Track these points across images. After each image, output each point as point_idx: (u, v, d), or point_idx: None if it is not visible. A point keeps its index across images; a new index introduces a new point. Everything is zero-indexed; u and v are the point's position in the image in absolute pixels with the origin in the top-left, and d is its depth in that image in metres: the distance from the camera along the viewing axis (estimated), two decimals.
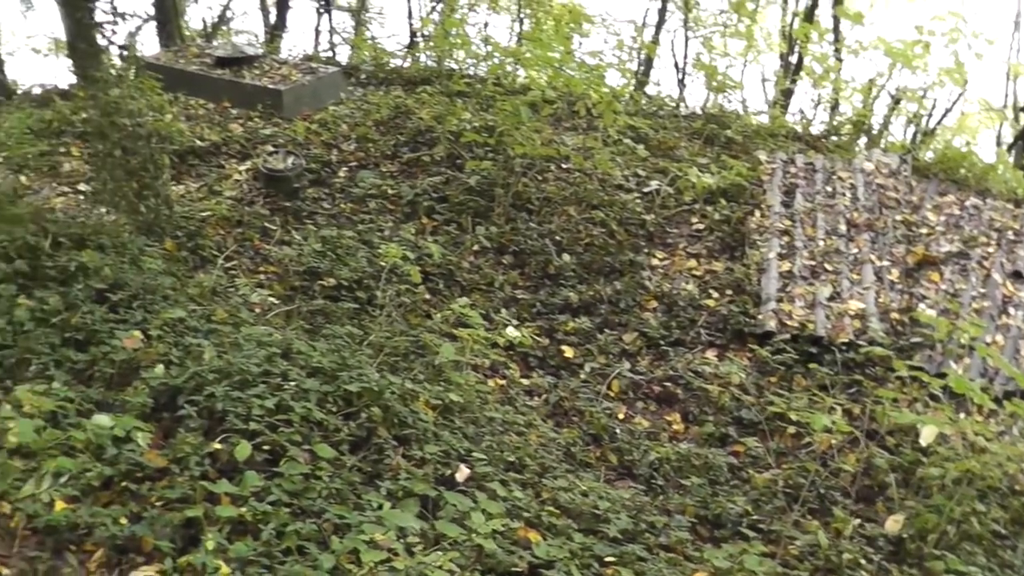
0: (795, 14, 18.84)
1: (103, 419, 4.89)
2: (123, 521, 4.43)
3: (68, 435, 4.81)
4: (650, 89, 17.01)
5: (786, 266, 9.00)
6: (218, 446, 4.85)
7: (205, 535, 4.27)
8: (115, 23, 8.61)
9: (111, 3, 8.86)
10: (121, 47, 8.84)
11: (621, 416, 7.26)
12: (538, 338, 7.89)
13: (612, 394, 7.50)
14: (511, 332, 7.37)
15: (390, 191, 9.72)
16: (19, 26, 20.06)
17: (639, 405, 7.52)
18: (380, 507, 4.59)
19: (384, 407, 5.38)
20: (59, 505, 4.48)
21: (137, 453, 4.80)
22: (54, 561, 4.31)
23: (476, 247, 8.98)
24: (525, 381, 7.42)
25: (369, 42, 18.21)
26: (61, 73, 19.83)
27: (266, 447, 4.87)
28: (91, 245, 6.82)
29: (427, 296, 8.02)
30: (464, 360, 6.73)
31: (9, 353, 5.61)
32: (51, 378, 5.44)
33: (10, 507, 4.51)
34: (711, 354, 8.11)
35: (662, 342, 8.20)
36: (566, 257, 9.00)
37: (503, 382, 7.24)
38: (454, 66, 14.55)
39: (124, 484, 4.67)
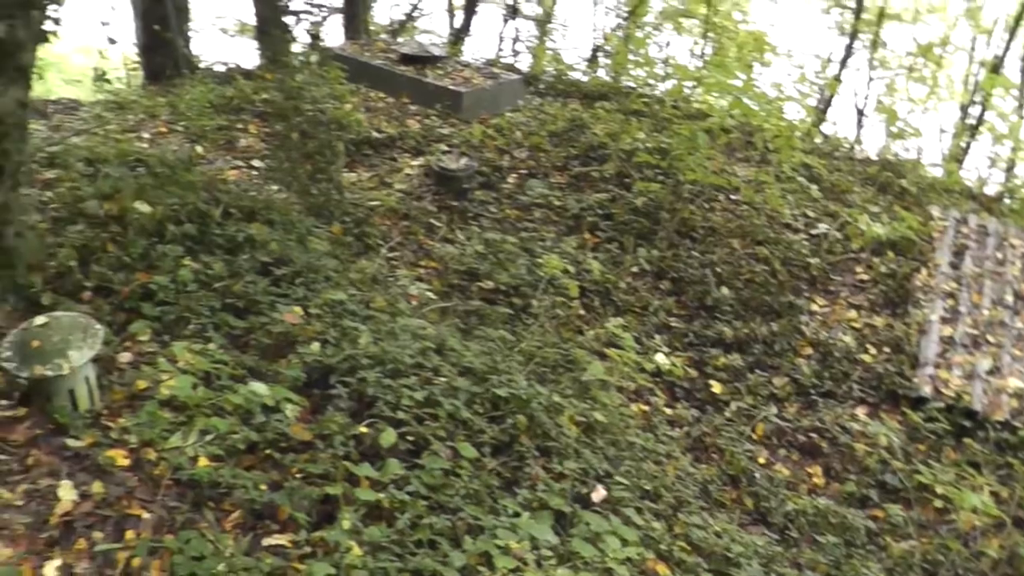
0: (981, 63, 18.10)
1: (260, 387, 5.01)
2: (263, 487, 4.55)
3: (221, 396, 4.93)
4: (827, 128, 16.56)
5: (948, 331, 8.64)
6: (364, 430, 4.91)
7: (342, 514, 4.33)
8: (310, 14, 8.84)
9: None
10: (311, 35, 9.04)
11: (762, 461, 7.10)
12: (687, 369, 7.77)
13: (755, 437, 7.33)
14: (661, 359, 7.28)
15: (556, 202, 9.69)
16: (207, 6, 20.79)
17: (781, 452, 7.34)
18: (516, 515, 4.56)
19: (529, 416, 5.36)
20: (203, 461, 4.61)
21: (284, 424, 4.92)
22: (192, 514, 4.43)
23: (635, 269, 8.87)
24: (669, 411, 7.31)
25: (550, 52, 18.24)
26: (244, 53, 20.56)
27: (410, 438, 4.92)
28: (260, 219, 7.00)
29: (581, 311, 7.96)
30: (612, 381, 6.66)
31: (170, 310, 5.80)
32: (208, 339, 5.62)
33: (156, 455, 4.67)
34: (861, 411, 7.85)
35: (812, 391, 7.98)
36: (725, 290, 8.82)
37: (647, 408, 7.14)
38: (632, 84, 14.44)
39: (268, 452, 4.79)
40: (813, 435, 7.49)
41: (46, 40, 5.81)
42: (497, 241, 8.46)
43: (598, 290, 8.36)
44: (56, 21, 5.79)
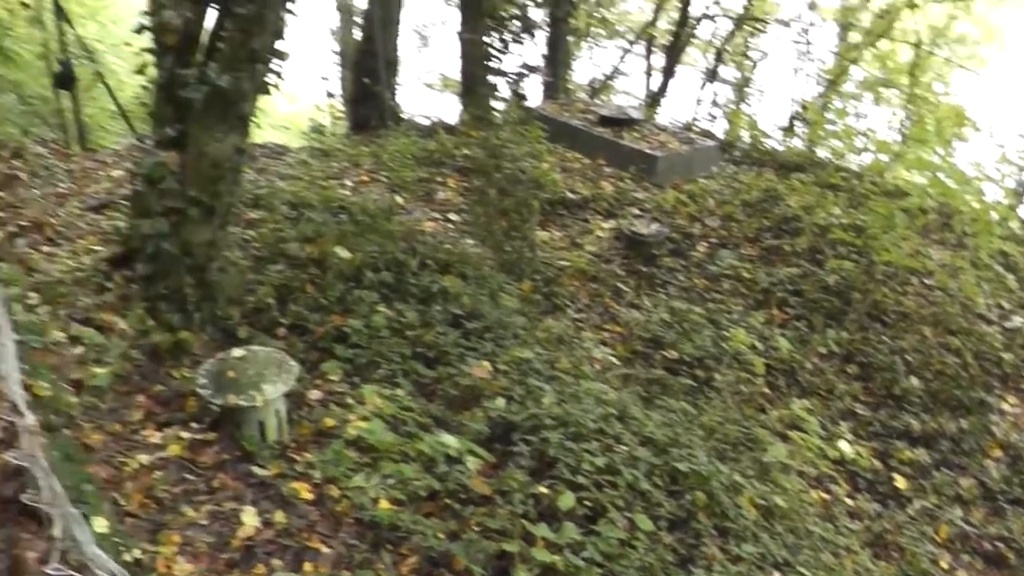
0: None
1: (449, 438, 5.11)
2: (441, 536, 4.64)
3: (408, 442, 5.05)
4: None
5: None
6: (543, 490, 4.94)
7: (516, 571, 4.37)
8: (520, 76, 9.02)
9: (521, 58, 9.28)
10: (515, 94, 9.23)
11: (944, 566, 6.76)
12: (871, 460, 7.50)
13: (938, 539, 6.99)
14: (844, 447, 7.07)
15: (745, 274, 9.51)
16: (413, 60, 21.47)
17: (965, 558, 6.98)
18: None
19: (709, 494, 5.29)
20: (384, 504, 4.75)
21: (465, 476, 5.01)
22: (370, 554, 4.56)
23: (823, 349, 8.60)
24: (850, 501, 7.05)
25: (747, 119, 18.01)
26: (446, 108, 21.18)
27: (588, 503, 4.92)
28: (454, 272, 7.16)
29: (765, 389, 7.78)
30: (793, 464, 6.50)
31: (362, 353, 6.01)
32: (397, 385, 5.80)
33: (339, 492, 4.83)
34: None
35: (1001, 497, 7.56)
36: (914, 380, 8.47)
37: (827, 497, 6.91)
38: (829, 155, 14.09)
39: (448, 501, 4.88)
40: (999, 544, 7.11)
41: (267, 92, 6.14)
42: (683, 310, 8.38)
43: (783, 369, 8.14)
44: (278, 75, 6.12)
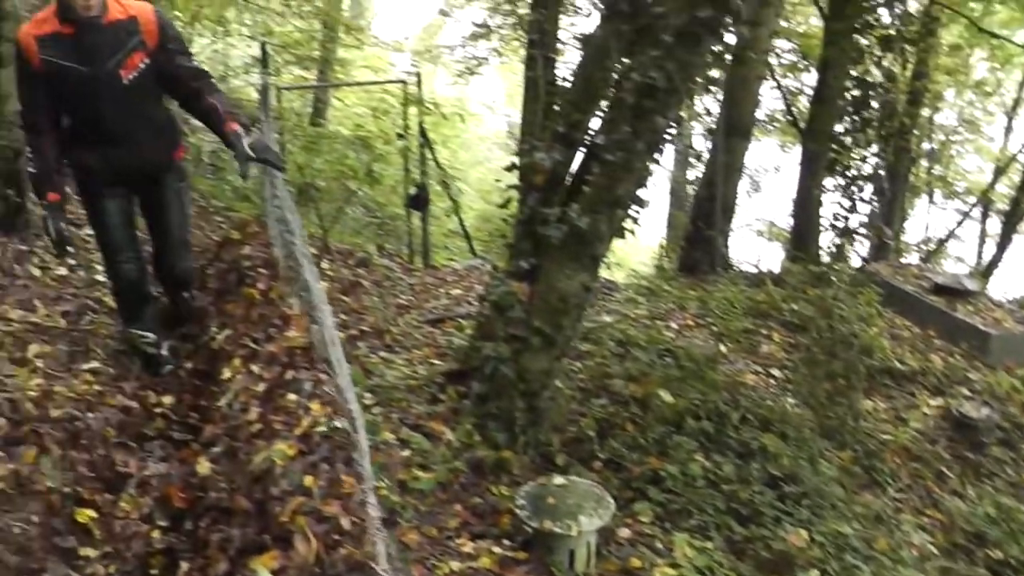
0: None
1: None
2: None
3: None
4: None
5: None
6: None
7: None
8: (858, 233, 8.93)
9: (861, 215, 9.19)
10: (853, 253, 9.12)
11: None
12: None
13: None
14: None
15: None
16: (743, 205, 21.70)
17: None
18: None
19: None
20: None
21: None
22: None
23: None
24: None
25: None
26: (769, 256, 21.13)
27: None
28: (775, 430, 7.10)
29: None
30: None
31: (675, 500, 6.07)
32: (708, 537, 5.81)
33: None
34: None
35: None
36: None
37: None
38: None
39: None
40: None
41: (622, 236, 6.41)
42: (1011, 508, 7.90)
43: None
44: (635, 220, 6.38)
